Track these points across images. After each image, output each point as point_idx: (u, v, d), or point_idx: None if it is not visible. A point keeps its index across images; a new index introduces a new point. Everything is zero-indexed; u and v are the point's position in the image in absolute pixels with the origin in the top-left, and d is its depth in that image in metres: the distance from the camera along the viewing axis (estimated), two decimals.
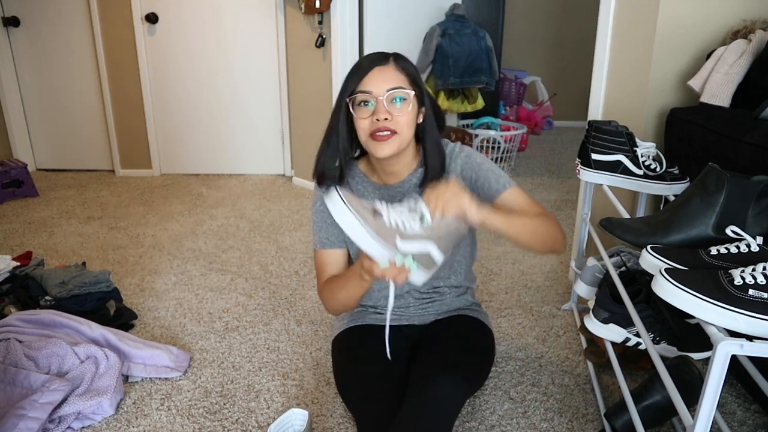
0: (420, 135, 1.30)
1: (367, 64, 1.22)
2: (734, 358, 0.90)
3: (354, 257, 1.43)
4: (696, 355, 1.21)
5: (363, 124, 1.22)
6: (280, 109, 3.57)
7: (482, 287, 2.14)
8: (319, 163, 1.29)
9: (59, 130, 3.78)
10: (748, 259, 0.89)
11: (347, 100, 1.23)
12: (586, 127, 1.52)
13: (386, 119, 1.19)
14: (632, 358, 1.56)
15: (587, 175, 1.50)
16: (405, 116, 1.21)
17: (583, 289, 1.59)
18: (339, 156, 1.27)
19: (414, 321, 1.45)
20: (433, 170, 1.29)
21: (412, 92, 1.23)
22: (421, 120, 1.28)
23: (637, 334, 1.24)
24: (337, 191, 1.05)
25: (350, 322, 1.46)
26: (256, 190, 3.41)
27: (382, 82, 1.20)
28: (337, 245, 1.38)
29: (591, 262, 1.59)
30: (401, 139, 1.22)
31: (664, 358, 1.13)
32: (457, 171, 1.31)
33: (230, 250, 2.50)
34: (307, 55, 3.22)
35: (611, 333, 1.26)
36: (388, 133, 1.20)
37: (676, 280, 0.83)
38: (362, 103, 1.21)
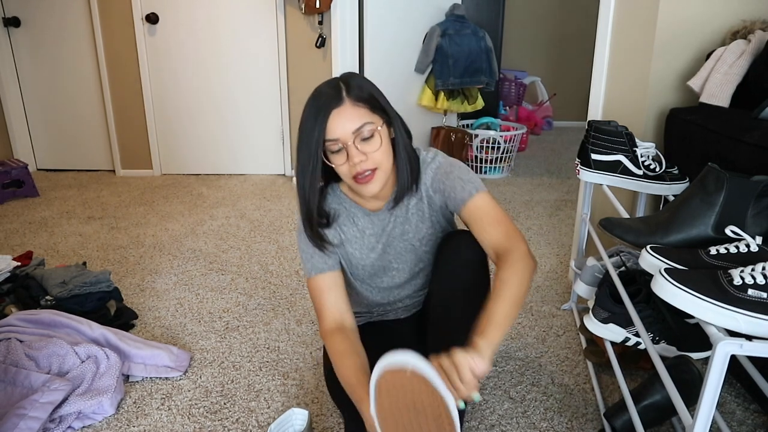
0: (394, 151, 1.22)
1: (324, 108, 1.12)
2: (734, 358, 0.90)
3: (350, 274, 1.36)
4: (696, 355, 1.21)
5: (343, 170, 1.16)
6: (280, 109, 3.57)
7: None
8: (303, 206, 1.23)
9: (60, 130, 3.79)
10: (747, 259, 0.89)
11: (321, 154, 1.15)
12: (586, 127, 1.53)
13: (362, 161, 1.13)
14: (632, 358, 1.56)
15: (587, 175, 1.50)
16: (379, 150, 1.15)
17: (582, 289, 1.59)
18: (313, 209, 1.22)
19: (399, 315, 1.47)
20: (402, 184, 1.24)
21: (378, 121, 1.16)
22: (393, 135, 1.21)
23: (637, 334, 1.24)
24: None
25: None
26: (256, 190, 3.42)
27: (345, 124, 1.12)
28: (333, 268, 1.29)
29: (591, 262, 1.59)
30: (384, 171, 1.17)
31: (663, 358, 1.14)
32: (427, 183, 1.26)
33: (230, 250, 2.50)
34: (307, 55, 3.22)
35: (611, 333, 1.26)
36: (370, 172, 1.15)
37: (675, 280, 0.83)
38: (334, 151, 1.15)
